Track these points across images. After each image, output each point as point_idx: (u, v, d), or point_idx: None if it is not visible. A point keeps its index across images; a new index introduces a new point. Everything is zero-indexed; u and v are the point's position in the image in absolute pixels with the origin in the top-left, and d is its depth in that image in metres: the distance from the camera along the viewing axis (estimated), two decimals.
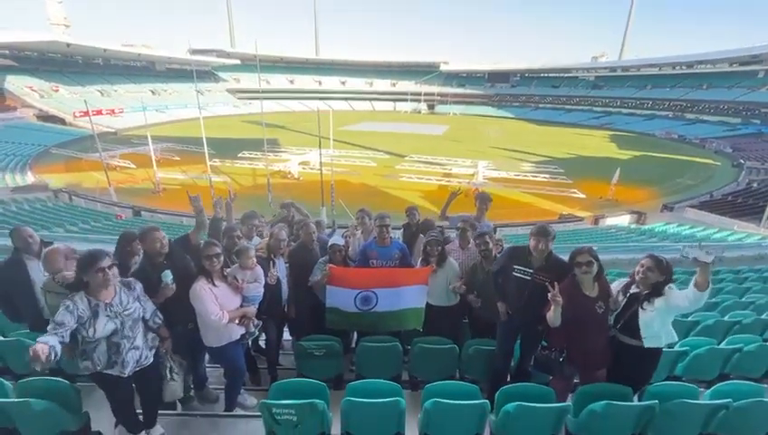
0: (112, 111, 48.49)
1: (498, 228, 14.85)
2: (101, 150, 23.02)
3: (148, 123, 27.71)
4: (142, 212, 18.64)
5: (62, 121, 42.79)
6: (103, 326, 2.29)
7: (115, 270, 2.32)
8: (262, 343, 4.21)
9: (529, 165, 30.91)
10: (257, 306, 3.14)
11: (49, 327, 2.13)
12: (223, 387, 3.32)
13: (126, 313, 2.39)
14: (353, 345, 4.11)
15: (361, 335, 3.85)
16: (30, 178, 23.90)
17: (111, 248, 2.82)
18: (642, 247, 11.76)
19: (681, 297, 2.51)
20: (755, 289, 6.01)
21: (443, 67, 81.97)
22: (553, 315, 2.69)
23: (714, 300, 5.41)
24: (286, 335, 4.33)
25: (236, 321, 2.93)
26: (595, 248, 2.82)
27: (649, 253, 2.72)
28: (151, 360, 2.60)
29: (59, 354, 2.03)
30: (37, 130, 37.61)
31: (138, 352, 2.48)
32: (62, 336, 2.11)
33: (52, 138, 34.88)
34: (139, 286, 2.54)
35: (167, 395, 2.78)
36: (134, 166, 26.82)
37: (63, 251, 2.99)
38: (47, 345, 1.93)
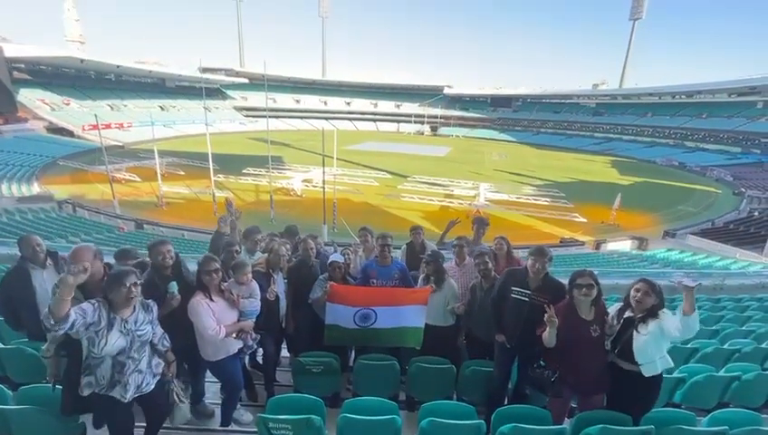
0: (121, 125, 49.41)
1: None
2: (108, 163, 23.35)
3: (155, 138, 28.16)
4: (145, 225, 18.77)
5: (71, 134, 43.56)
6: (114, 341, 2.27)
7: (139, 289, 2.35)
8: (259, 359, 4.21)
9: (530, 188, 31.12)
10: (255, 320, 3.17)
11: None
12: (219, 402, 3.31)
13: (138, 332, 2.37)
14: (351, 364, 4.10)
15: (359, 353, 3.84)
16: (36, 188, 24.19)
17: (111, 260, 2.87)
18: (646, 274, 11.73)
19: (674, 325, 2.51)
20: (756, 318, 5.99)
21: (446, 91, 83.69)
22: (548, 336, 2.71)
23: (714, 328, 5.39)
24: (284, 352, 4.33)
25: (233, 335, 2.96)
26: (596, 272, 2.86)
27: (642, 277, 2.74)
28: (152, 387, 2.53)
29: (70, 321, 2.05)
30: (46, 141, 38.28)
31: (140, 376, 2.43)
32: (79, 316, 2.12)
33: (61, 149, 35.45)
34: (155, 310, 2.55)
35: (177, 419, 2.72)
36: (139, 179, 27.14)
37: (93, 250, 2.73)
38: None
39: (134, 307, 2.40)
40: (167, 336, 2.66)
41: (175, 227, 18.41)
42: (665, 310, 2.60)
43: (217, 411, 3.28)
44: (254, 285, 3.19)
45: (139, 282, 2.36)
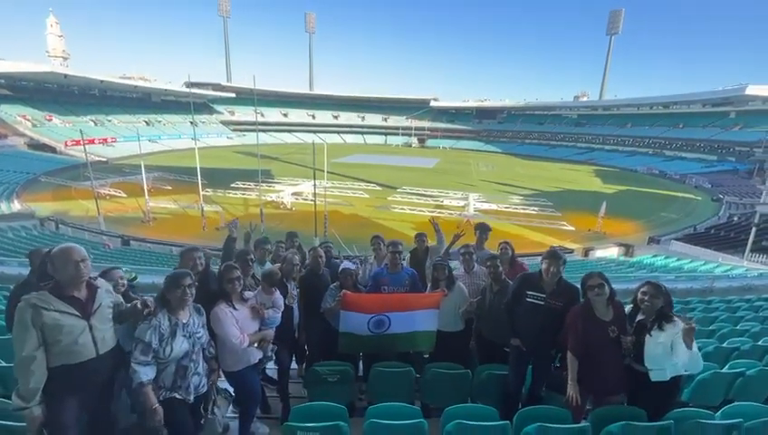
0: (105, 141, 48.65)
1: None
2: (92, 179, 22.88)
3: (141, 153, 27.76)
4: (131, 241, 18.36)
5: (53, 150, 42.65)
6: (180, 345, 2.32)
7: (193, 290, 2.40)
8: (268, 372, 4.14)
9: (518, 198, 31.60)
10: (273, 330, 3.15)
11: (139, 349, 2.20)
12: (233, 415, 3.25)
13: (197, 335, 2.44)
14: (360, 373, 4.07)
15: (369, 362, 3.82)
16: (16, 205, 23.47)
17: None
18: (636, 278, 11.96)
19: (684, 350, 2.57)
20: (748, 318, 6.16)
21: (433, 103, 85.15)
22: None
23: (710, 328, 5.53)
24: (292, 364, 4.28)
25: (255, 344, 2.93)
26: None
27: (647, 280, 2.81)
28: (206, 388, 2.57)
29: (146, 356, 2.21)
30: (27, 158, 37.34)
31: (198, 378, 2.48)
32: (154, 335, 2.23)
33: (42, 166, 34.61)
34: (205, 314, 2.60)
35: (206, 431, 2.66)
36: (125, 195, 26.64)
37: None
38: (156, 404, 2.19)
39: (189, 311, 2.44)
40: (212, 343, 2.68)
41: (162, 243, 18.07)
42: (680, 324, 2.62)
43: (232, 425, 3.21)
44: (278, 295, 3.20)
45: (193, 283, 2.42)
